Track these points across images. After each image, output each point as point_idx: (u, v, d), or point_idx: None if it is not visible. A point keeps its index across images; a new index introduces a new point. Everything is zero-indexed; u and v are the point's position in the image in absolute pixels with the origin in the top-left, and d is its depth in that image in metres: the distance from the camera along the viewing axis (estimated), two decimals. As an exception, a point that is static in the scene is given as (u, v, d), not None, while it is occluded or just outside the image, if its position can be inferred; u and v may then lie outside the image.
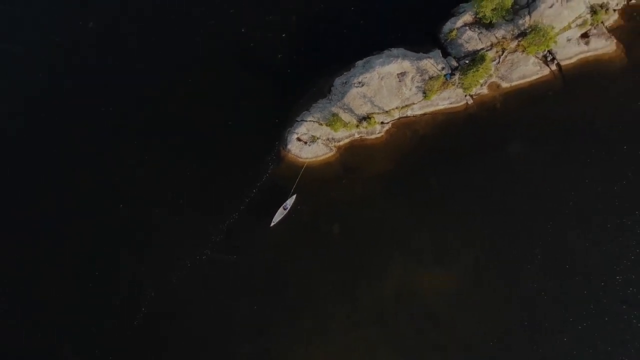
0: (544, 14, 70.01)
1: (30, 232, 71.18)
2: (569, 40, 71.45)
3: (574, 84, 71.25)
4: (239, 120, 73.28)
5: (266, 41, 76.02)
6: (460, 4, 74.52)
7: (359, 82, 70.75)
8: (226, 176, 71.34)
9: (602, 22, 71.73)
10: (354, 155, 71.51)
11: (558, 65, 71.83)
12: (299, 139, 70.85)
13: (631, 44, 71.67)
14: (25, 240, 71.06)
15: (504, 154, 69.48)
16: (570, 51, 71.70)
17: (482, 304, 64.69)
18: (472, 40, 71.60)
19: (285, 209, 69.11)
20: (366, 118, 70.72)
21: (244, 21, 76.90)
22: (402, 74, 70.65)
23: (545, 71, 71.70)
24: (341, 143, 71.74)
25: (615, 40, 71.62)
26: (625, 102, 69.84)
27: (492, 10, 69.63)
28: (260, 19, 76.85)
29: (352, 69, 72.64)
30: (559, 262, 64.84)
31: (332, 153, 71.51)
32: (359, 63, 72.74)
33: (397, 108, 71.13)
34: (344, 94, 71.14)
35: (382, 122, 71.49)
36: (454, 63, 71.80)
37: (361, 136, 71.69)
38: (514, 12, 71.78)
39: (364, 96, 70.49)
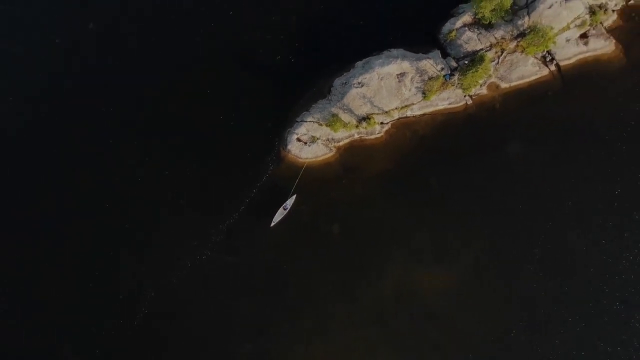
0: (543, 15, 69.15)
1: (30, 232, 69.97)
2: (567, 40, 70.55)
3: (573, 84, 70.28)
4: (239, 120, 72.18)
5: (266, 42, 74.84)
6: (460, 5, 73.50)
7: (359, 83, 69.81)
8: (226, 176, 70.27)
9: (601, 23, 70.79)
10: (353, 156, 70.53)
11: (557, 65, 70.90)
12: (298, 140, 69.88)
13: (630, 45, 70.66)
14: (25, 240, 69.83)
15: (503, 154, 68.50)
16: (569, 51, 70.77)
17: (482, 304, 63.79)
18: (471, 41, 70.72)
19: (285, 209, 68.14)
20: (366, 118, 69.80)
21: (243, 21, 75.65)
22: (402, 75, 69.76)
23: (544, 71, 70.77)
24: (341, 143, 70.77)
25: (614, 41, 70.67)
26: (624, 102, 68.86)
27: (491, 11, 68.75)
28: (260, 19, 75.63)
29: (351, 70, 71.68)
30: (559, 262, 63.91)
31: (331, 153, 70.54)
32: (359, 63, 71.79)
33: (396, 108, 70.23)
34: (343, 94, 70.19)
35: (381, 123, 70.56)
36: (453, 63, 70.90)
37: (361, 136, 70.72)
38: (513, 13, 70.92)
39: (364, 97, 69.57)
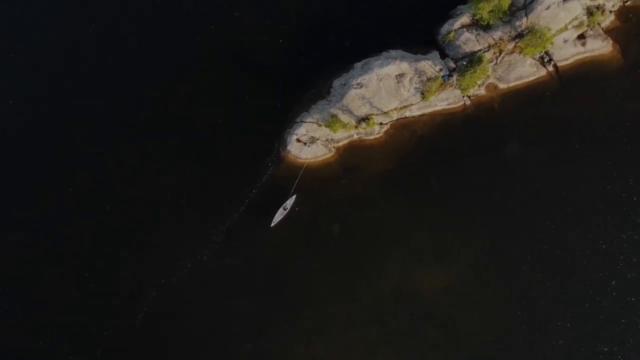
0: (541, 16, 67.41)
1: (30, 232, 67.47)
2: (565, 41, 68.79)
3: (570, 84, 68.52)
4: (239, 120, 70.10)
5: (266, 42, 72.82)
6: (458, 6, 71.78)
7: (358, 84, 68.00)
8: (226, 176, 68.12)
9: (598, 24, 69.13)
10: (353, 156, 68.57)
11: (555, 66, 69.13)
12: (298, 140, 67.94)
13: (627, 45, 69.03)
14: (25, 240, 67.33)
15: (502, 154, 66.73)
16: (567, 52, 69.05)
17: (482, 304, 61.95)
18: (469, 42, 68.93)
19: (285, 209, 66.14)
20: (365, 119, 68.02)
21: (244, 22, 73.56)
22: (401, 76, 68.01)
23: (542, 72, 68.99)
24: (340, 144, 68.83)
25: (611, 42, 68.97)
26: (622, 103, 67.23)
27: (489, 12, 67.31)
28: (260, 19, 73.49)
29: (350, 71, 69.89)
30: (559, 262, 62.05)
31: (331, 154, 68.57)
32: (358, 64, 70.01)
33: (395, 109, 68.42)
34: (342, 95, 68.35)
35: (380, 123, 68.78)
36: (452, 64, 69.16)
37: (360, 137, 68.81)
38: (511, 14, 69.29)
39: (363, 97, 67.74)
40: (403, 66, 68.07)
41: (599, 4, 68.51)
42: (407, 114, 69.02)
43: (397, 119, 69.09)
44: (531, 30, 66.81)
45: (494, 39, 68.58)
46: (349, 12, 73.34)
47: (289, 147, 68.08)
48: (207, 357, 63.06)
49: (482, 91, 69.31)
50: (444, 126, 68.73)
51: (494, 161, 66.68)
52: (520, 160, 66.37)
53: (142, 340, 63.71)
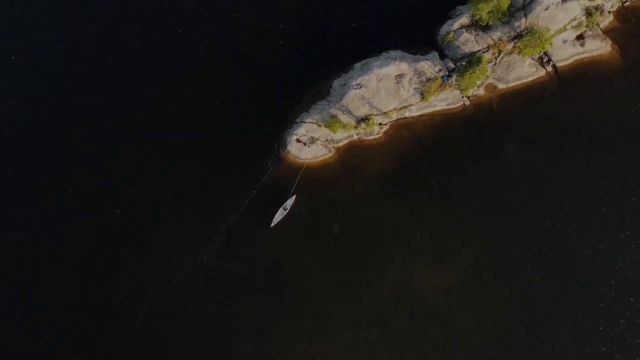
0: (540, 16, 66.37)
1: (30, 232, 66.11)
2: (564, 42, 67.76)
3: (569, 85, 67.54)
4: (239, 120, 68.84)
5: (266, 42, 71.48)
6: (457, 7, 70.62)
7: (357, 84, 66.91)
8: (226, 176, 66.89)
9: (597, 24, 68.15)
10: (352, 156, 67.48)
11: (554, 66, 68.13)
12: (298, 140, 66.83)
13: (626, 46, 68.01)
14: (25, 240, 65.97)
15: (501, 154, 65.78)
16: (566, 53, 68.02)
17: (482, 304, 61.00)
18: (468, 42, 67.86)
19: (285, 210, 65.03)
20: (364, 119, 66.97)
21: (244, 22, 72.26)
22: (400, 76, 66.92)
23: (541, 72, 67.96)
24: (340, 144, 67.71)
25: (610, 42, 67.99)
26: (621, 103, 66.28)
27: (489, 12, 66.36)
28: (260, 20, 72.19)
29: (350, 71, 68.77)
30: (559, 262, 61.10)
31: (331, 154, 67.45)
32: (357, 65, 68.88)
33: (395, 109, 67.37)
34: (342, 95, 67.26)
35: (380, 124, 67.73)
36: (451, 65, 68.09)
37: (360, 137, 67.72)
38: (510, 15, 68.22)
39: (362, 98, 66.67)
40: (402, 67, 66.99)
41: (598, 5, 67.55)
42: (407, 114, 67.98)
43: (397, 119, 68.03)
44: (530, 30, 65.91)
45: (493, 39, 67.56)
46: (348, 13, 72.06)
47: (288, 148, 66.98)
48: (207, 357, 61.94)
49: (481, 91, 68.29)
50: (444, 126, 67.69)
51: (494, 161, 65.68)
52: (520, 161, 65.44)
53: (142, 340, 62.58)
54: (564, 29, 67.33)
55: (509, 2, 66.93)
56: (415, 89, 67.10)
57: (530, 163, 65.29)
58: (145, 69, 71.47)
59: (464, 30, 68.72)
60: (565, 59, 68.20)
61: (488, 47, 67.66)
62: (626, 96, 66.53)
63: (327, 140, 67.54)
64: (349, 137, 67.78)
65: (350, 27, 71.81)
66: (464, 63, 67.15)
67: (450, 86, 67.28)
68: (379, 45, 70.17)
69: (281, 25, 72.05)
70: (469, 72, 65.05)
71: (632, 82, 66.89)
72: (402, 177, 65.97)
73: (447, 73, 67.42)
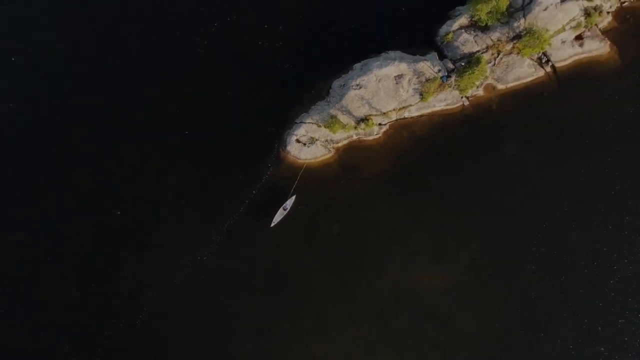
0: (539, 17, 65.64)
1: (30, 232, 65.14)
2: (563, 42, 66.98)
3: (568, 85, 66.73)
4: (239, 120, 67.93)
5: (266, 43, 70.51)
6: (456, 7, 69.82)
7: (357, 85, 66.12)
8: (226, 176, 65.96)
9: (595, 25, 67.38)
10: (352, 157, 66.64)
11: (553, 67, 67.34)
12: (298, 141, 65.99)
13: (624, 46, 67.23)
14: (25, 240, 65.00)
15: (500, 154, 64.93)
16: (565, 53, 67.24)
17: (482, 304, 60.13)
18: (468, 43, 67.08)
19: (285, 210, 64.16)
20: (364, 120, 66.16)
21: (244, 22, 71.33)
22: (399, 77, 66.12)
23: (540, 73, 67.16)
24: (339, 144, 66.87)
25: (608, 42, 67.25)
26: (619, 103, 65.49)
27: (488, 13, 65.70)
28: (260, 20, 71.30)
29: (349, 72, 67.97)
30: (558, 262, 60.26)
31: (330, 154, 66.59)
32: (357, 66, 68.05)
33: (394, 110, 66.55)
34: (342, 96, 66.44)
35: (379, 124, 66.92)
36: (450, 65, 67.30)
37: (359, 137, 66.88)
38: (509, 15, 67.49)
39: (362, 98, 65.86)
40: (402, 67, 66.21)
41: (597, 5, 66.82)
42: (406, 114, 67.18)
43: (396, 120, 67.21)
44: (529, 31, 65.26)
45: (492, 40, 66.81)
46: (348, 13, 71.15)
47: (288, 148, 66.16)
48: (207, 357, 61.09)
49: (481, 92, 67.49)
50: (443, 127, 66.89)
51: (493, 161, 64.91)
52: (519, 161, 64.68)
53: (142, 340, 61.70)
54: (563, 29, 66.58)
55: (508, 2, 66.28)
56: (414, 89, 66.31)
57: (530, 163, 64.52)
58: (145, 69, 70.55)
59: (463, 30, 67.95)
60: (564, 60, 67.44)
61: (487, 48, 66.94)
62: (625, 96, 65.70)
63: (326, 140, 66.71)
64: (348, 137, 66.96)
65: (349, 27, 70.70)
66: (463, 63, 66.46)
67: (450, 86, 66.51)
68: (378, 46, 69.37)
69: (281, 26, 71.16)
70: (468, 73, 64.39)
71: (630, 82, 66.08)
72: (401, 177, 65.17)
73: (446, 73, 66.67)
